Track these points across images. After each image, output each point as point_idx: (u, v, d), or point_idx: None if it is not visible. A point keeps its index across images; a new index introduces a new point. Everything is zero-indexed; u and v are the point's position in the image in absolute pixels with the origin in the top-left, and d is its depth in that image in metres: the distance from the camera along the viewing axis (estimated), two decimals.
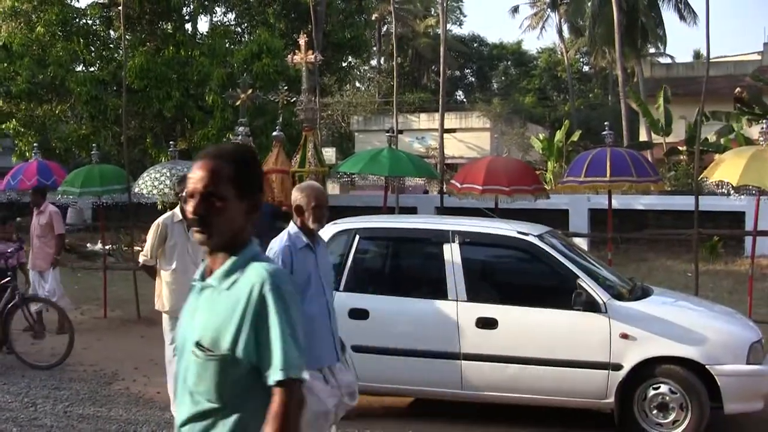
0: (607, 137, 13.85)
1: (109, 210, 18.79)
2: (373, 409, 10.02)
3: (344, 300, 9.32)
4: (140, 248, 27.52)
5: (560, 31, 69.34)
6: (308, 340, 6.30)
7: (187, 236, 9.39)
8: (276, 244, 6.78)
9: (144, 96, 28.39)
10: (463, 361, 9.06)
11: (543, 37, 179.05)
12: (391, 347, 9.28)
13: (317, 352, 6.48)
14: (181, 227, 9.52)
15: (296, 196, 6.95)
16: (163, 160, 26.27)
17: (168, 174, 15.08)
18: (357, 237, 9.74)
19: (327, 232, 10.00)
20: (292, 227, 6.89)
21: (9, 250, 13.23)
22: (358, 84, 55.30)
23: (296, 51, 16.44)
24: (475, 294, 9.24)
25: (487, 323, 9.01)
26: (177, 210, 9.63)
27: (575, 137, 42.24)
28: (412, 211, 24.10)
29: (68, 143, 30.44)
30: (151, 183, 15.17)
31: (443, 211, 15.47)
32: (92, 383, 11.13)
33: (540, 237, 9.38)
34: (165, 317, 9.53)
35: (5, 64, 29.71)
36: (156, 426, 9.26)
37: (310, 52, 15.92)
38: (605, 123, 14.64)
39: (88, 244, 28.58)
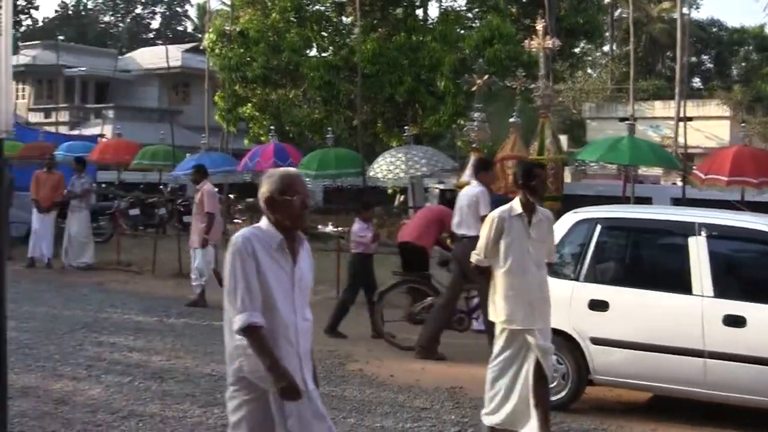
0: None
1: (339, 193, 19.10)
2: (609, 403, 9.80)
3: (584, 291, 9.18)
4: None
5: None
6: None
7: (527, 232, 8.08)
8: None
9: (376, 81, 28.70)
10: (707, 360, 8.67)
11: None
12: (630, 341, 9.00)
13: None
14: (519, 222, 8.08)
15: None
16: (394, 144, 26.56)
17: (403, 159, 15.15)
18: (598, 227, 9.50)
19: (567, 221, 9.80)
20: None
21: (366, 235, 13.57)
22: (590, 70, 54.35)
23: (533, 36, 16.20)
24: (722, 290, 8.82)
25: (734, 321, 8.59)
26: (515, 202, 8.17)
27: None
28: (646, 201, 23.42)
29: (301, 127, 31.17)
30: (386, 167, 15.27)
31: (683, 202, 14.95)
32: (327, 363, 11.26)
33: None
34: (499, 328, 8.19)
35: (242, 50, 30.69)
36: (389, 408, 9.27)
37: (548, 37, 15.66)
38: None
39: (319, 226, 29.18)
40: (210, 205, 15.59)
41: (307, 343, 5.20)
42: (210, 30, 34.09)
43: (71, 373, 10.11)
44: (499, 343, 8.15)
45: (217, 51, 32.13)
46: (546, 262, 8.25)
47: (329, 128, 21.21)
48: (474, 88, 16.03)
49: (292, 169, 5.36)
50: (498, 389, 8.13)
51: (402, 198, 33.48)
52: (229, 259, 5.01)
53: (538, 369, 7.92)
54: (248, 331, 4.88)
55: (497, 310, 8.14)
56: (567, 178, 30.65)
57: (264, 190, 5.14)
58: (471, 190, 12.07)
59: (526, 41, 15.88)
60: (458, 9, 34.53)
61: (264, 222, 5.17)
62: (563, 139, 41.04)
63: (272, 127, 22.08)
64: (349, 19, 32.29)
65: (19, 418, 8.17)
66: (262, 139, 28.88)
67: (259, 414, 5.04)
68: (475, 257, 8.33)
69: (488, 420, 8.26)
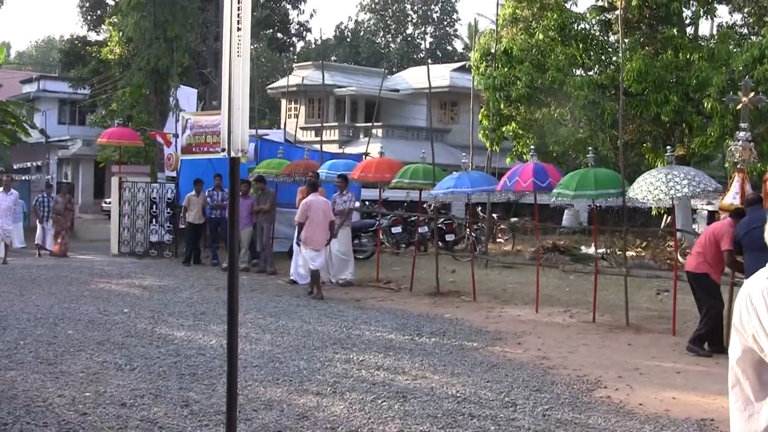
0: None
1: (603, 213, 18.69)
2: None
3: None
4: (635, 252, 27.19)
5: None
6: None
7: None
8: None
9: (641, 100, 28.03)
10: None
11: None
12: None
13: None
14: None
15: None
16: (659, 165, 25.79)
17: (663, 179, 14.61)
18: None
19: None
20: None
21: None
22: None
23: None
24: None
25: None
26: None
27: None
28: None
29: (565, 146, 30.82)
30: (646, 188, 14.78)
31: None
32: (574, 388, 10.96)
33: None
34: None
35: (506, 69, 30.68)
36: None
37: None
38: None
39: (582, 247, 28.77)
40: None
41: None
42: (476, 49, 34.39)
43: (316, 389, 10.24)
44: None
45: (482, 70, 32.36)
46: None
47: (593, 147, 20.73)
48: (739, 107, 15.32)
49: None
50: None
51: (669, 219, 32.56)
52: None
53: None
54: None
55: None
56: None
57: None
58: None
59: None
60: (732, 24, 33.22)
61: None
62: None
63: (532, 147, 21.91)
64: (615, 38, 31.66)
65: (261, 431, 8.36)
66: (525, 158, 28.75)
67: None
68: None
69: None
